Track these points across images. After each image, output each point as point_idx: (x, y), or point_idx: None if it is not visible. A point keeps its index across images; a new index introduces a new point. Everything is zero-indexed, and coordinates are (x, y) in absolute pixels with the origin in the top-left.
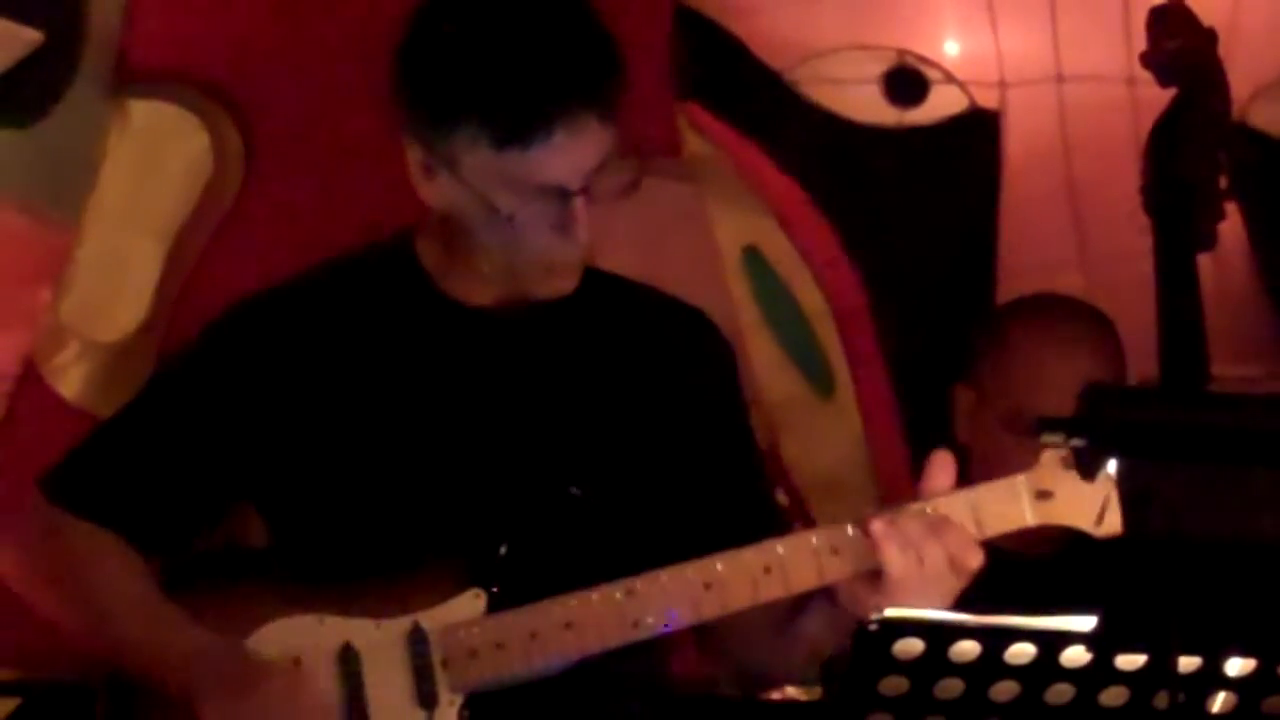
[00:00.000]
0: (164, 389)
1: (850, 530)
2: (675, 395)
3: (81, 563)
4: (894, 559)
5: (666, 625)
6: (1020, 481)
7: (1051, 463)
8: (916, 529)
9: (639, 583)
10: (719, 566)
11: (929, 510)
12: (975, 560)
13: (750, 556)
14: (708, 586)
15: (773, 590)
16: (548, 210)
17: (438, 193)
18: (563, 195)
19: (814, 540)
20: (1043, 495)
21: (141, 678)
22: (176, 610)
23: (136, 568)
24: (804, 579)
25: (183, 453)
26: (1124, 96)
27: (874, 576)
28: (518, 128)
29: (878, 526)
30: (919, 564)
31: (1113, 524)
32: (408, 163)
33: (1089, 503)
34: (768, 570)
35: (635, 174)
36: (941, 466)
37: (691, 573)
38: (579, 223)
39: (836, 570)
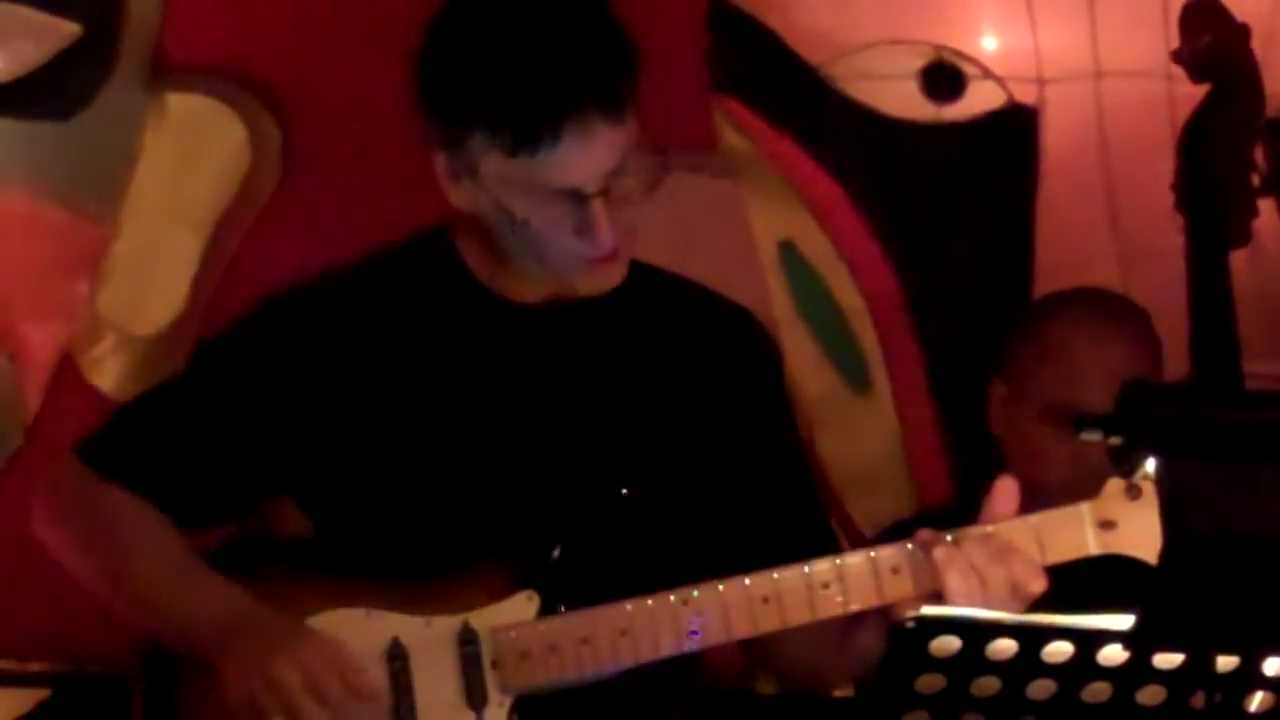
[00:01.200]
0: (207, 366)
1: (910, 548)
2: (723, 394)
3: (118, 526)
4: (956, 585)
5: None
6: (1084, 510)
7: (1115, 492)
8: (980, 554)
9: (696, 591)
10: (777, 579)
11: (992, 534)
12: (1039, 586)
13: (810, 571)
14: (766, 600)
15: (831, 606)
16: (565, 214)
17: (464, 197)
18: (579, 198)
19: (875, 557)
20: (1106, 525)
21: (173, 645)
22: (213, 572)
23: (172, 532)
24: (864, 597)
25: (220, 430)
26: (1162, 92)
27: (933, 596)
28: (526, 134)
29: (940, 553)
30: (982, 588)
31: None
32: (434, 168)
33: (1152, 534)
34: (827, 586)
35: (657, 171)
36: (1005, 491)
37: (750, 584)
38: (599, 224)
39: (897, 591)
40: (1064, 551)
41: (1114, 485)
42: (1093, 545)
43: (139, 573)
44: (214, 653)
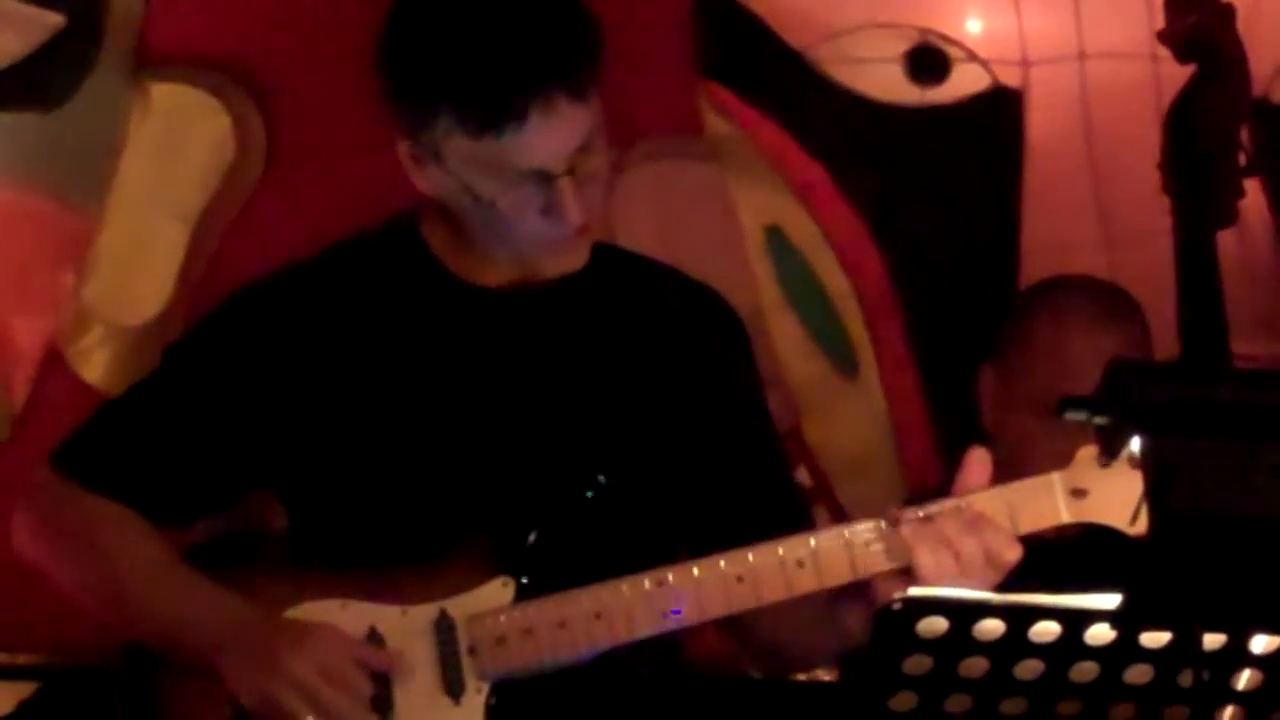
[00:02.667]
0: (175, 365)
1: (884, 525)
2: (692, 373)
3: (98, 534)
4: (925, 560)
5: (698, 617)
6: (1055, 479)
7: (1087, 460)
8: (952, 527)
9: (670, 573)
10: (751, 559)
11: (963, 506)
12: (1014, 555)
13: (783, 549)
14: (740, 579)
15: (805, 584)
16: (532, 194)
17: (428, 182)
18: (545, 178)
19: (848, 534)
20: (1077, 493)
21: (162, 649)
22: (198, 574)
23: (153, 536)
24: (838, 573)
25: (193, 428)
26: (1147, 74)
27: (908, 572)
28: (490, 115)
29: (908, 529)
30: (954, 560)
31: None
32: (398, 152)
33: (1123, 501)
34: (800, 564)
35: (619, 148)
36: (978, 463)
37: (724, 564)
38: (567, 203)
39: (871, 565)
40: (1035, 520)
41: (1085, 453)
42: (1065, 513)
43: (125, 581)
44: (207, 657)
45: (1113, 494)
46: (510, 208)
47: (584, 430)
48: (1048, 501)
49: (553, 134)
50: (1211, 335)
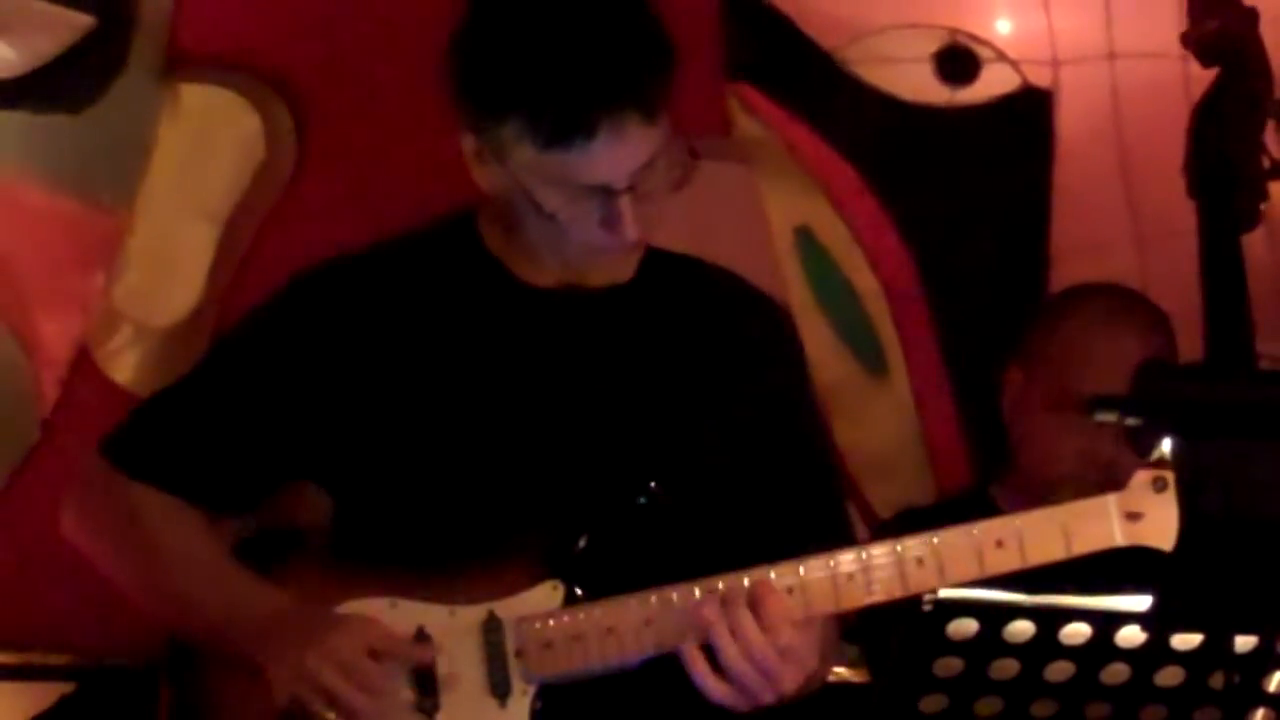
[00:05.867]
0: (227, 355)
1: (935, 541)
2: (746, 381)
3: (145, 524)
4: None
5: None
6: (1110, 501)
7: (1142, 485)
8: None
9: (720, 582)
10: (802, 571)
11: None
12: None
13: (835, 563)
14: (790, 591)
15: (855, 598)
16: (591, 208)
17: (489, 180)
18: (608, 194)
19: (900, 549)
20: (1132, 516)
21: (206, 643)
22: (244, 569)
23: (203, 529)
24: (889, 589)
25: (243, 418)
26: (1177, 73)
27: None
28: (561, 129)
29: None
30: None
31: None
32: (461, 145)
33: (1178, 526)
34: (851, 578)
35: (686, 169)
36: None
37: (774, 575)
38: (626, 220)
39: (922, 582)
40: (1090, 543)
41: (1141, 477)
42: (1119, 536)
43: (170, 572)
44: (251, 653)
45: (1167, 518)
46: (569, 220)
47: (636, 434)
48: (1103, 524)
49: (619, 152)
50: (1237, 338)
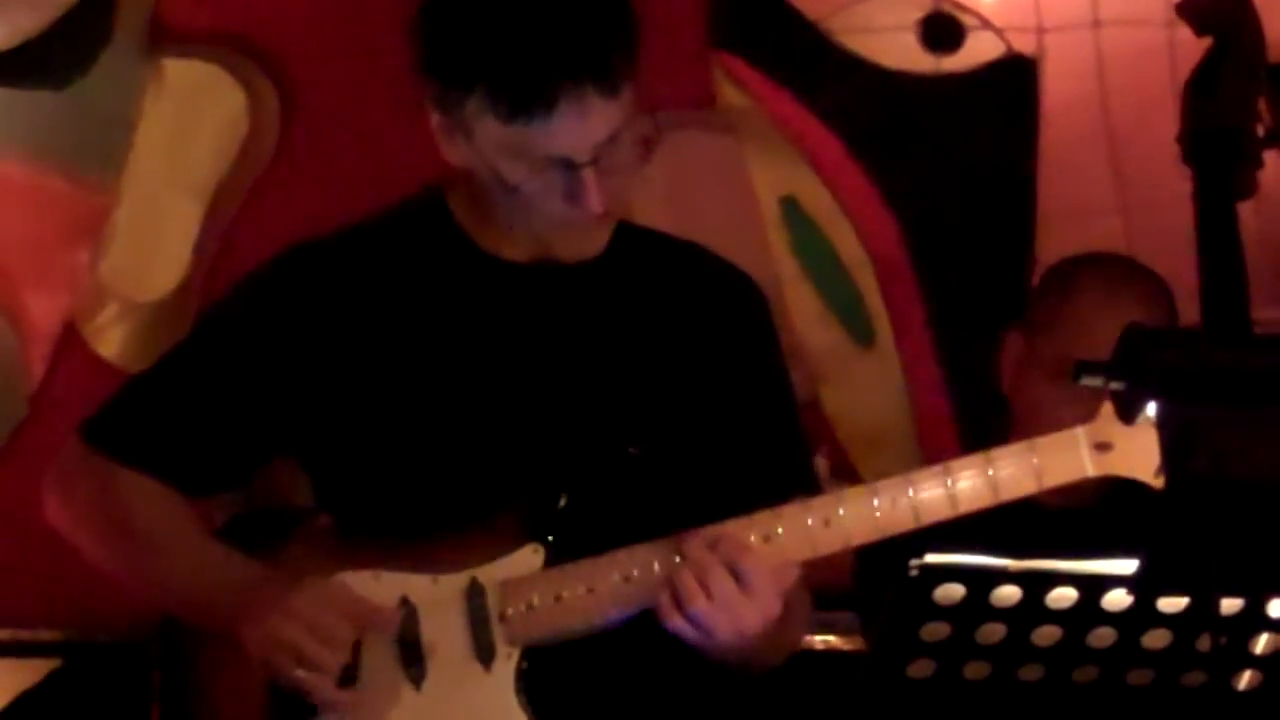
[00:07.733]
0: (204, 336)
1: (906, 483)
2: (710, 346)
3: (128, 506)
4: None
5: None
6: (1080, 433)
7: (1111, 415)
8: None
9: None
10: (779, 523)
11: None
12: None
13: (810, 508)
14: (767, 539)
15: (831, 544)
16: (555, 180)
17: (456, 155)
18: (570, 167)
19: (874, 489)
20: (1102, 447)
21: (193, 622)
22: (227, 548)
23: (182, 509)
24: (864, 532)
25: (222, 398)
26: (1162, 40)
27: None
28: (521, 102)
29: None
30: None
31: None
32: (429, 121)
33: (1148, 455)
34: (827, 523)
35: (649, 142)
36: None
37: (752, 525)
38: (589, 192)
39: (896, 524)
40: (1061, 474)
41: (1109, 408)
42: (1089, 467)
43: (152, 553)
44: (232, 626)
45: (1137, 447)
46: (533, 192)
47: (608, 403)
48: (1073, 455)
49: (580, 125)
50: (1232, 305)
